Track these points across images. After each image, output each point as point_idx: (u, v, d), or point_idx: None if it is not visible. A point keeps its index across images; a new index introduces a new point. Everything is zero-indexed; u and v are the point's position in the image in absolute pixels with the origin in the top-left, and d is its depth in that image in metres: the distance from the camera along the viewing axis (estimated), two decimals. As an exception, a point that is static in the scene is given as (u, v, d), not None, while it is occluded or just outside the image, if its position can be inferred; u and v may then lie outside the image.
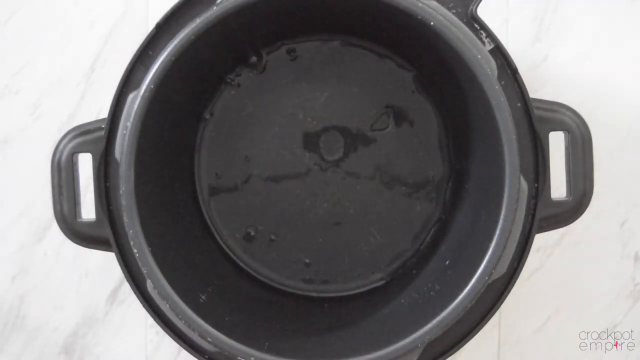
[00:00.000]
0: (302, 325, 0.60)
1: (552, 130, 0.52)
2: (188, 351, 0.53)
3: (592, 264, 0.68)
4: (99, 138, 0.53)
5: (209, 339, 0.49)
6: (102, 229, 0.53)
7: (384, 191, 0.64)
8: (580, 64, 0.68)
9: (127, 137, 0.49)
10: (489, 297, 0.53)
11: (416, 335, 0.49)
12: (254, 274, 0.64)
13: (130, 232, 0.49)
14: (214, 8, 0.49)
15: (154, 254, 0.50)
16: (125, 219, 0.49)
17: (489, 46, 0.51)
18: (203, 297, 0.54)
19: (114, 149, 0.52)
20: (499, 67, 0.51)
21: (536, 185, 0.52)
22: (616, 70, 0.68)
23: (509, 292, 0.53)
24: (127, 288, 0.67)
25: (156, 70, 0.49)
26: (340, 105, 0.64)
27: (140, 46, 0.52)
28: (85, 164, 0.54)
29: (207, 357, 0.53)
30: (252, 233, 0.64)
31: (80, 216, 0.54)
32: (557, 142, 0.53)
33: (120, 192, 0.49)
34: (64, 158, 0.53)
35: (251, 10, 0.50)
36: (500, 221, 0.48)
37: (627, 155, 0.68)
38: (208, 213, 0.65)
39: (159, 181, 0.55)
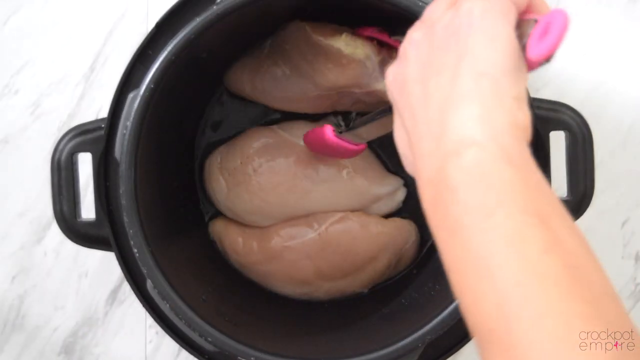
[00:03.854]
0: (302, 325, 0.60)
1: (552, 130, 0.52)
2: (188, 351, 0.53)
3: (593, 263, 0.68)
4: (98, 137, 0.52)
5: (209, 339, 0.49)
6: (102, 229, 0.53)
7: (384, 191, 0.64)
8: (581, 63, 0.68)
9: (127, 137, 0.49)
10: (489, 297, 0.52)
11: (417, 334, 0.49)
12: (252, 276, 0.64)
13: (130, 232, 0.49)
14: (214, 7, 0.49)
15: (154, 253, 0.49)
16: (125, 219, 0.49)
17: (490, 45, 0.51)
18: (203, 297, 0.54)
19: (114, 148, 0.52)
20: (499, 66, 0.51)
21: (537, 184, 0.52)
22: (617, 70, 0.68)
23: (510, 291, 0.53)
24: (127, 288, 0.67)
25: (156, 70, 0.49)
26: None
27: (140, 45, 0.52)
28: (85, 163, 0.54)
29: (207, 357, 0.53)
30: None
31: (80, 216, 0.54)
32: (558, 142, 0.53)
33: (120, 191, 0.49)
34: (63, 158, 0.53)
35: (251, 9, 0.50)
36: (501, 221, 0.48)
37: (628, 154, 0.68)
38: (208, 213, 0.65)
39: (158, 181, 0.55)
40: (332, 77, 0.58)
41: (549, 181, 0.52)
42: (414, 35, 0.37)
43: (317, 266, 0.61)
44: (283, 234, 0.61)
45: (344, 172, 0.61)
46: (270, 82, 0.60)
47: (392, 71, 0.39)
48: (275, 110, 0.63)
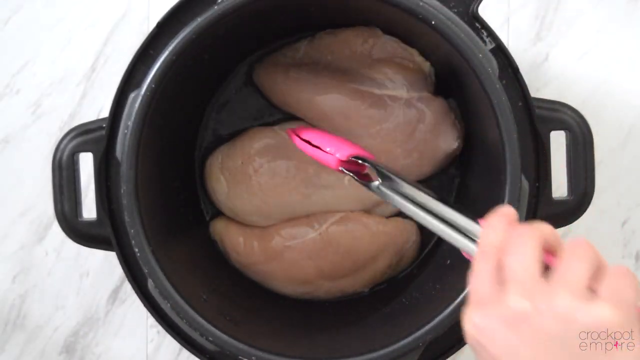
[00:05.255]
0: (302, 325, 0.60)
1: (553, 130, 0.52)
2: (189, 350, 0.53)
3: (593, 263, 0.68)
4: (100, 137, 0.53)
5: (210, 338, 0.49)
6: (103, 228, 0.53)
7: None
8: (582, 63, 0.68)
9: (128, 137, 0.49)
10: (490, 297, 0.53)
11: (417, 334, 0.49)
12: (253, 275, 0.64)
13: (131, 232, 0.49)
14: (215, 7, 0.49)
15: (155, 253, 0.50)
16: (127, 218, 0.49)
17: (490, 45, 0.51)
18: (204, 297, 0.54)
19: (115, 148, 0.52)
20: (500, 66, 0.51)
21: (537, 184, 0.52)
22: (617, 70, 0.68)
23: (510, 291, 0.53)
24: (128, 287, 0.67)
25: (157, 70, 0.49)
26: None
27: (142, 45, 0.52)
28: (86, 163, 0.54)
29: (208, 356, 0.53)
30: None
31: (81, 215, 0.54)
32: (558, 142, 0.53)
33: (122, 191, 0.49)
34: (65, 157, 0.53)
35: (252, 9, 0.50)
36: (502, 220, 0.48)
37: (628, 154, 0.68)
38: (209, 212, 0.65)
39: (159, 180, 0.55)
40: (390, 73, 0.60)
41: (549, 181, 0.53)
42: (519, 304, 0.36)
43: (317, 266, 0.61)
44: (284, 233, 0.61)
45: (346, 179, 0.61)
46: (304, 87, 0.61)
47: (484, 323, 0.38)
48: (278, 111, 0.63)
